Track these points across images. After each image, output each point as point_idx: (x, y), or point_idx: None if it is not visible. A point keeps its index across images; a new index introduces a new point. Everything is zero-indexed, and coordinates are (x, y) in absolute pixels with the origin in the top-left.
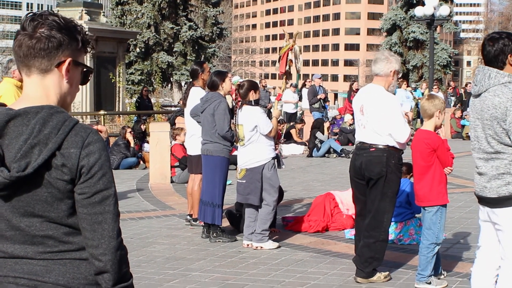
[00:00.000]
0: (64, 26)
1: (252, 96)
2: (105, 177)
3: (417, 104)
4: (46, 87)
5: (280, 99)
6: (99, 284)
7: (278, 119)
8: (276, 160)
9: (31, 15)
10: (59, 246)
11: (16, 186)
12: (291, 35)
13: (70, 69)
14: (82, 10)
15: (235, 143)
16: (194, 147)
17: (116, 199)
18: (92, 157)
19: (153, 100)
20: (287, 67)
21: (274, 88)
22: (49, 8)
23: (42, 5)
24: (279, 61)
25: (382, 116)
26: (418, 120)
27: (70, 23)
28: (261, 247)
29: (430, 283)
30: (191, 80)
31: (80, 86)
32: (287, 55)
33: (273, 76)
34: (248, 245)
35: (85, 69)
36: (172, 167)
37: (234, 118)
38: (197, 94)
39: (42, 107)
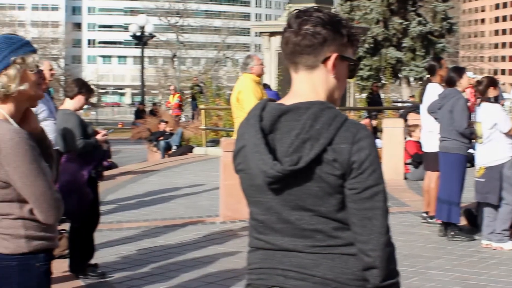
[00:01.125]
0: (329, 22)
1: (492, 93)
2: (375, 173)
3: None
4: (313, 83)
5: None
6: (366, 280)
7: None
8: None
9: (296, 13)
10: (327, 241)
11: (288, 179)
12: None
13: (337, 64)
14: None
15: (473, 141)
16: (430, 144)
17: (385, 196)
18: (363, 152)
19: (382, 96)
20: None
21: (503, 84)
22: (278, 5)
23: (271, 1)
24: None
25: None
26: None
27: (335, 18)
28: (501, 248)
29: None
30: (427, 76)
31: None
32: None
33: (503, 72)
34: (487, 245)
35: (352, 63)
36: (405, 164)
37: (472, 115)
38: (434, 90)
39: (312, 102)
